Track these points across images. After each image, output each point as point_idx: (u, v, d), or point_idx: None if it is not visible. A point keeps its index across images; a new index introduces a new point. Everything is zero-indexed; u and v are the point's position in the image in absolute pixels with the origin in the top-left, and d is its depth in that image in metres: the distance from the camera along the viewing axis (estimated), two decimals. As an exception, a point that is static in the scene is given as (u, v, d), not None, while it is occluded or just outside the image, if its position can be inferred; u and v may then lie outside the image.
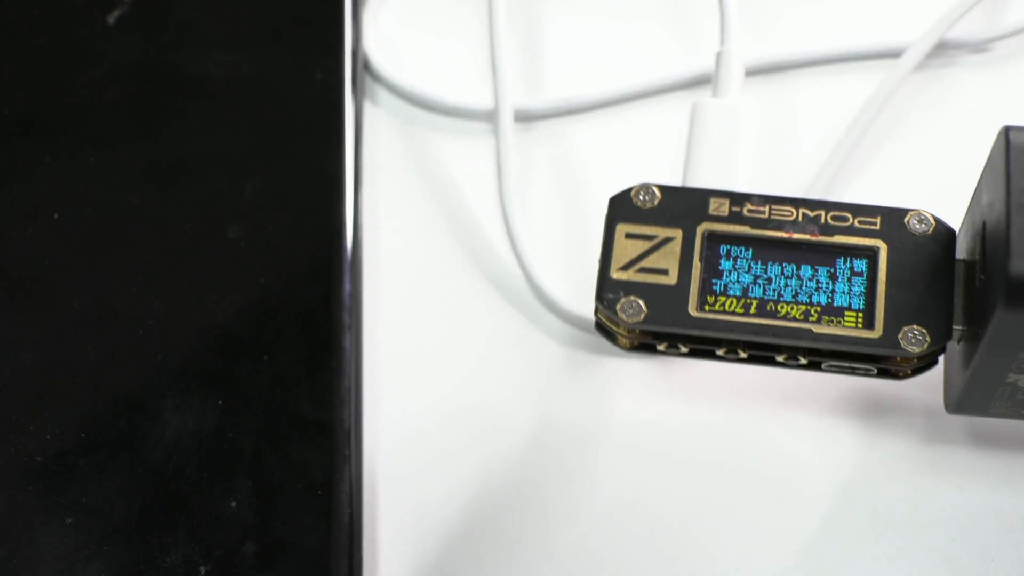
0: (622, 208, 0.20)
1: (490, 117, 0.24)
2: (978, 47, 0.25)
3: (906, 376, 0.20)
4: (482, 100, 0.25)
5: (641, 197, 0.20)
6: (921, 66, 0.25)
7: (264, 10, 0.25)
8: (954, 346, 0.20)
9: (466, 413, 0.22)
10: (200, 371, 0.21)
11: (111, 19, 0.25)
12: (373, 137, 0.25)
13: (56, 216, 0.23)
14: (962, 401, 0.20)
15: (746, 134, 0.22)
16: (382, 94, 0.25)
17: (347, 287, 0.22)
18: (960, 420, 0.21)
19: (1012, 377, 0.19)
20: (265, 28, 0.25)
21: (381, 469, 0.22)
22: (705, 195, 0.20)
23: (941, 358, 0.20)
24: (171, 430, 0.21)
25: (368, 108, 0.25)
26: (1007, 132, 0.18)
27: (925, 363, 0.20)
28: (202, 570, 0.19)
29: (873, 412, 0.22)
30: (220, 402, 0.21)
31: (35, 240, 0.23)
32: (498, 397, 0.22)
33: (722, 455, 0.21)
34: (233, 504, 0.20)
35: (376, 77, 0.25)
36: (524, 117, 0.25)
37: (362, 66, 0.25)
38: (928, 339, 0.19)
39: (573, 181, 0.25)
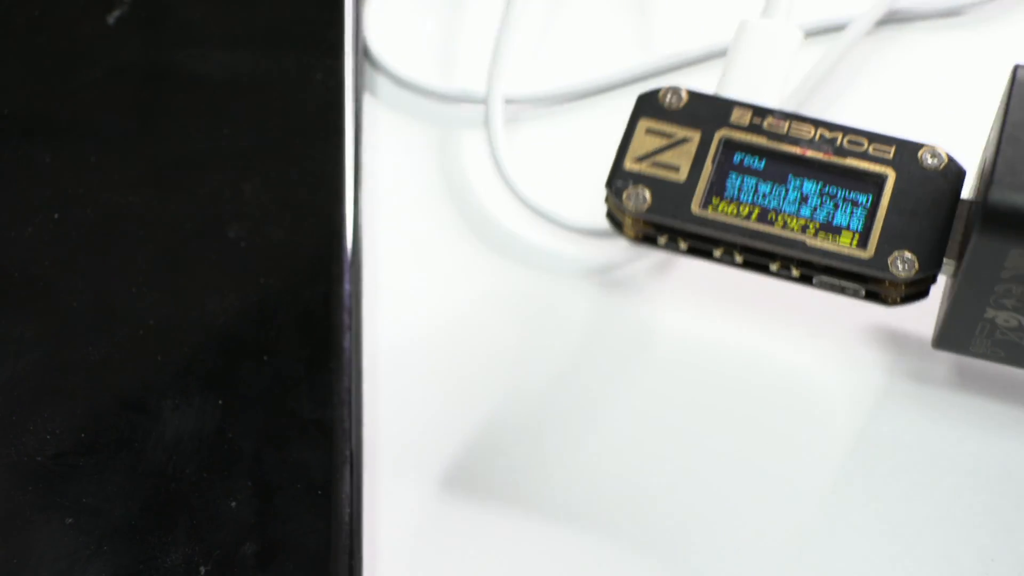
0: (648, 105, 0.21)
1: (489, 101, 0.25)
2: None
3: (895, 303, 0.20)
4: (482, 87, 0.25)
5: (669, 98, 0.21)
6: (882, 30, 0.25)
7: (264, 9, 0.25)
8: (949, 283, 0.20)
9: (467, 413, 0.22)
10: (200, 371, 0.21)
11: (111, 19, 0.25)
12: (374, 136, 0.25)
13: (56, 216, 0.23)
14: (944, 335, 0.20)
15: (786, 58, 0.22)
16: (383, 88, 0.25)
17: (347, 287, 0.22)
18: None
19: (990, 313, 0.19)
20: (265, 27, 0.25)
21: (381, 469, 0.21)
22: (730, 105, 0.21)
23: (934, 290, 0.20)
24: (171, 430, 0.21)
25: (369, 106, 0.25)
26: (1016, 69, 0.18)
27: (913, 292, 0.20)
28: (202, 570, 0.20)
29: (896, 345, 0.22)
30: (220, 402, 0.21)
31: (35, 240, 0.23)
32: (497, 396, 0.22)
33: (735, 369, 0.22)
34: (233, 504, 0.20)
35: (376, 66, 0.25)
36: (520, 102, 0.25)
37: (363, 64, 0.25)
38: (917, 266, 0.19)
39: (570, 165, 0.25)
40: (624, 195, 0.20)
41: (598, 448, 0.22)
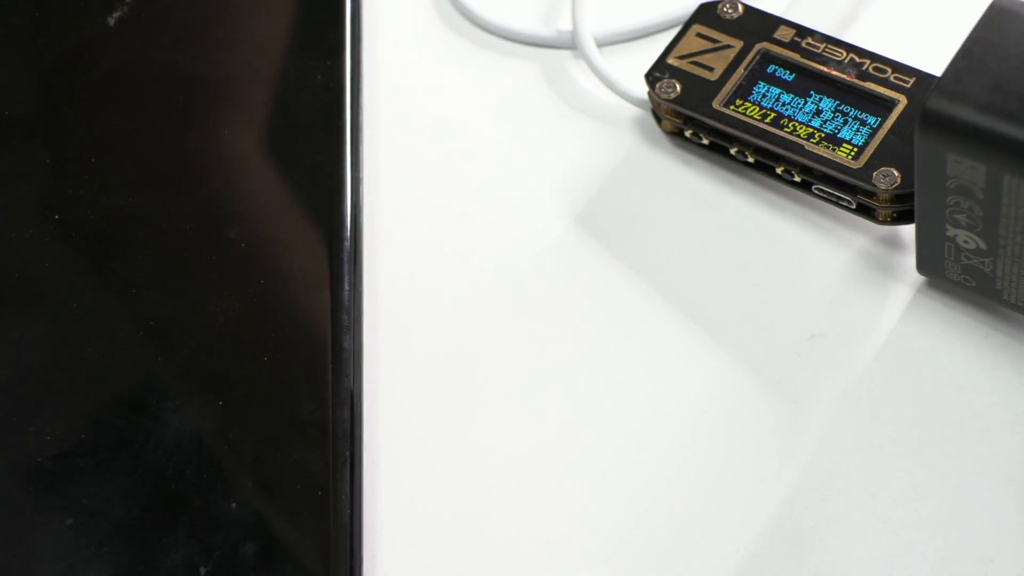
0: (706, 13, 0.23)
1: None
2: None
3: (885, 221, 0.22)
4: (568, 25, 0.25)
5: (726, 9, 0.23)
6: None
7: (264, 11, 0.25)
8: None
9: (466, 414, 0.22)
10: (200, 372, 0.22)
11: (112, 20, 0.25)
12: (373, 136, 0.25)
13: (57, 217, 0.23)
14: (921, 258, 0.21)
15: (852, 2, 0.24)
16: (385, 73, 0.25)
17: (347, 288, 0.22)
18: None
19: (951, 231, 0.20)
20: (265, 30, 0.25)
21: (381, 469, 0.22)
22: (777, 22, 0.23)
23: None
24: (171, 431, 0.21)
25: (368, 108, 0.25)
26: (993, 2, 0.19)
27: (900, 210, 0.21)
28: (202, 570, 0.20)
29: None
30: (220, 403, 0.21)
31: (35, 241, 0.23)
32: (496, 391, 0.22)
33: (739, 240, 0.23)
34: (233, 505, 0.20)
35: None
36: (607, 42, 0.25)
37: (360, 65, 0.25)
38: (898, 181, 0.21)
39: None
40: (657, 85, 0.23)
41: (608, 451, 0.21)
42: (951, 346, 0.22)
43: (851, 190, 0.22)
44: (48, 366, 0.22)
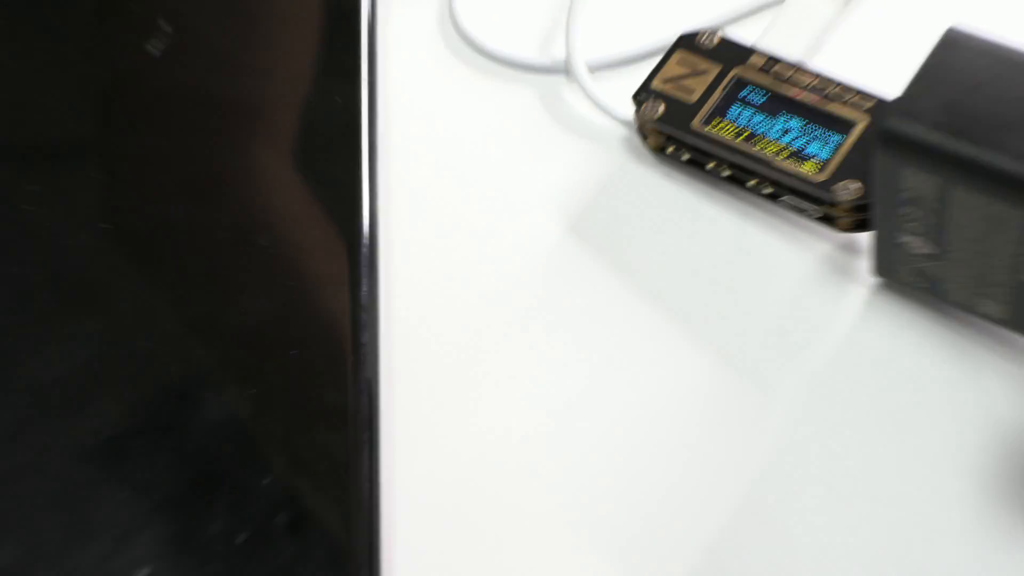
0: (686, 42, 0.24)
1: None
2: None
3: (845, 229, 0.22)
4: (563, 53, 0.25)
5: (704, 39, 0.24)
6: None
7: (289, 40, 0.26)
8: None
9: (470, 399, 0.22)
10: (235, 364, 0.22)
11: (155, 51, 0.25)
12: (387, 152, 0.25)
13: (106, 227, 0.24)
14: (876, 260, 0.22)
15: (823, 20, 0.25)
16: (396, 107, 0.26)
17: (364, 288, 0.23)
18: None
19: (904, 238, 0.20)
20: (290, 57, 0.26)
21: (396, 449, 0.22)
22: (751, 51, 0.23)
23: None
24: (211, 416, 0.22)
25: (382, 127, 0.25)
26: (948, 30, 0.19)
27: (859, 220, 0.22)
28: (239, 538, 0.20)
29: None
30: (253, 391, 0.22)
31: (88, 248, 0.23)
32: (496, 380, 0.23)
33: (710, 244, 0.24)
34: (266, 481, 0.21)
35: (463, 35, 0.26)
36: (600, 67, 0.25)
37: (376, 87, 0.25)
38: (859, 193, 0.21)
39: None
40: (643, 106, 0.23)
41: (597, 433, 0.22)
42: (902, 340, 0.22)
43: (815, 201, 0.22)
44: (102, 359, 0.22)
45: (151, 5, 0.26)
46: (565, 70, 0.26)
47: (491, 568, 0.21)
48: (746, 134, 0.23)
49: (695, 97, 0.23)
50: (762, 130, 0.23)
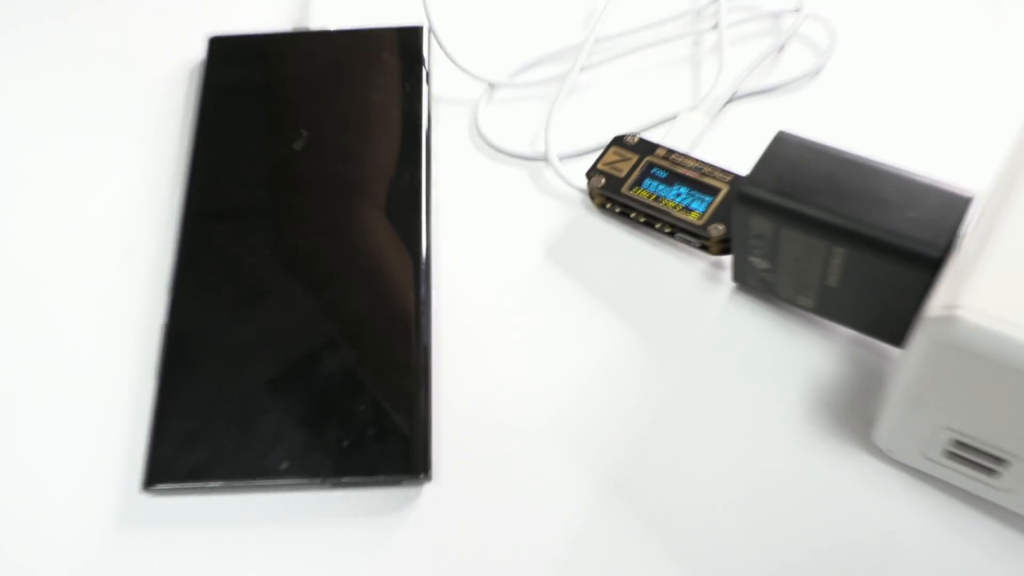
0: (618, 141, 0.24)
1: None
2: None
3: (716, 253, 0.22)
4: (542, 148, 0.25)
5: (628, 139, 0.24)
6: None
7: (378, 140, 0.25)
8: None
9: (489, 357, 0.22)
10: (344, 336, 0.22)
11: (297, 146, 0.25)
12: (437, 208, 0.24)
13: (268, 252, 0.23)
14: (734, 272, 0.21)
15: (698, 128, 0.25)
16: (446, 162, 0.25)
17: (423, 289, 0.22)
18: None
19: (751, 258, 0.20)
20: (381, 151, 0.25)
21: (443, 390, 0.22)
22: (656, 145, 0.24)
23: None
24: (328, 368, 0.21)
25: (435, 192, 0.25)
26: (778, 132, 0.19)
27: (724, 247, 0.22)
28: (345, 443, 0.20)
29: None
30: (355, 353, 0.21)
31: (257, 266, 0.23)
32: (503, 345, 0.22)
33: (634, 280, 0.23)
34: (361, 407, 0.20)
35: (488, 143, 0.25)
36: (567, 156, 0.25)
37: (431, 156, 0.24)
38: (723, 232, 0.22)
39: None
40: (591, 179, 0.23)
41: (565, 379, 0.21)
42: (750, 322, 0.22)
43: (697, 236, 0.22)
44: (265, 332, 0.22)
45: (296, 120, 0.25)
46: (544, 158, 0.26)
47: (500, 458, 0.21)
48: (654, 196, 0.23)
49: (623, 174, 0.23)
50: (664, 194, 0.23)
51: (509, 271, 0.24)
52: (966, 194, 0.18)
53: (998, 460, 0.17)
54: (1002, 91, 0.25)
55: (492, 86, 0.26)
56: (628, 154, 0.23)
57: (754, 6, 0.27)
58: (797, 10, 0.26)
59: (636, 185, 0.23)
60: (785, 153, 0.19)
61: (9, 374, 0.22)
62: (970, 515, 0.18)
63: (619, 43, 0.27)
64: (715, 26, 0.26)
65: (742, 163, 0.24)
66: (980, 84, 0.25)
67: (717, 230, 0.22)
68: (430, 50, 0.27)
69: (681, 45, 0.27)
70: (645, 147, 0.24)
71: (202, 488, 0.20)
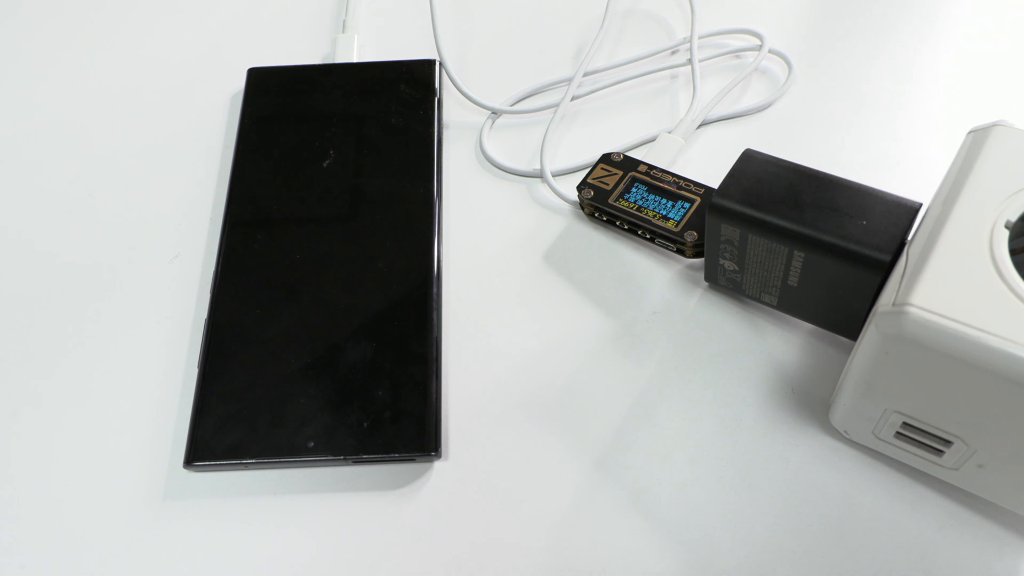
0: (605, 158, 0.23)
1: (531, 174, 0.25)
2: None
3: (691, 256, 0.22)
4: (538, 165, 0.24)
5: (615, 156, 0.23)
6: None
7: (396, 161, 0.24)
8: None
9: (488, 344, 0.22)
10: (364, 330, 0.21)
11: (325, 164, 0.25)
12: (447, 220, 0.24)
13: (298, 256, 0.23)
14: (706, 273, 0.21)
15: (676, 148, 0.24)
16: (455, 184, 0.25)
17: (434, 289, 0.22)
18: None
19: (721, 261, 0.20)
20: (398, 169, 0.24)
21: (451, 377, 0.21)
22: (639, 162, 0.23)
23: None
24: (351, 357, 0.21)
25: (445, 206, 0.24)
26: (745, 150, 0.19)
27: (697, 251, 0.22)
28: (365, 424, 0.20)
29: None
30: (375, 344, 0.21)
31: (289, 266, 0.23)
32: (499, 334, 0.22)
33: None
34: (380, 393, 0.20)
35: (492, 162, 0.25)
36: (560, 173, 0.24)
37: (443, 180, 0.24)
38: (697, 238, 0.21)
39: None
40: (582, 192, 0.23)
41: (563, 363, 0.21)
42: (720, 316, 0.22)
43: (674, 242, 0.22)
44: (296, 326, 0.21)
45: (324, 141, 0.25)
46: (540, 175, 0.25)
47: (501, 436, 0.20)
48: (636, 206, 0.22)
49: (610, 187, 0.23)
50: (645, 204, 0.22)
51: (509, 272, 0.23)
52: (913, 204, 0.18)
53: (943, 440, 0.17)
54: (942, 113, 0.25)
55: (495, 113, 0.26)
56: (614, 170, 0.23)
57: (722, 44, 0.27)
58: (759, 48, 0.27)
59: (621, 197, 0.23)
60: (751, 168, 0.19)
61: (66, 368, 0.22)
62: (919, 490, 0.18)
63: (605, 76, 0.27)
64: (688, 61, 0.27)
65: (713, 177, 0.24)
66: (921, 107, 0.25)
67: (691, 236, 0.22)
68: (441, 81, 0.27)
69: (659, 77, 0.27)
70: (629, 163, 0.23)
71: (237, 465, 0.19)
